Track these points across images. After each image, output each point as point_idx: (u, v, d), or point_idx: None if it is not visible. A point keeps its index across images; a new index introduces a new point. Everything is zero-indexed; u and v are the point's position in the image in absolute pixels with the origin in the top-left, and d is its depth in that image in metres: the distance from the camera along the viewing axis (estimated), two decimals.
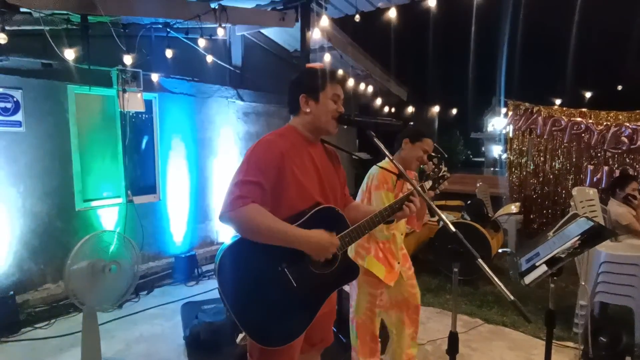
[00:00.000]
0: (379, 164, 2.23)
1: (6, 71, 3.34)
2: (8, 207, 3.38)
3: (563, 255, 1.42)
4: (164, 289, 4.19)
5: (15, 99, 3.39)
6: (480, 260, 1.32)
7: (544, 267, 1.43)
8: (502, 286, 1.27)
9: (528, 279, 1.47)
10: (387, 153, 1.55)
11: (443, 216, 1.37)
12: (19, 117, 3.42)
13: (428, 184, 1.58)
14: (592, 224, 1.43)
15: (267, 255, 1.37)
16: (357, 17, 4.02)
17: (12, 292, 3.28)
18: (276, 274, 1.39)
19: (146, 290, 4.07)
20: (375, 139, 1.55)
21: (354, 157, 2.02)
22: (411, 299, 2.30)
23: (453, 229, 1.37)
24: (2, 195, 3.35)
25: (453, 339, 1.42)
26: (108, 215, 4.05)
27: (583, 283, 2.72)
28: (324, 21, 3.96)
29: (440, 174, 1.60)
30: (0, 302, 3.17)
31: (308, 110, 1.53)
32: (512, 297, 1.25)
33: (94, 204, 3.98)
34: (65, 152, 3.72)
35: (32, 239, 3.52)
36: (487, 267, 1.30)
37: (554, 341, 3.00)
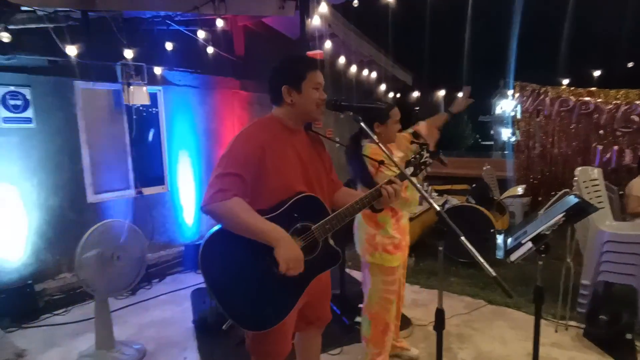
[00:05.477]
0: (368, 141, 2.26)
1: (15, 69, 3.44)
2: (24, 201, 3.52)
3: (548, 232, 1.45)
4: (175, 277, 4.33)
5: (25, 96, 3.51)
6: (463, 238, 1.36)
7: (529, 244, 1.46)
8: (484, 262, 1.31)
9: (514, 256, 1.51)
10: (374, 137, 1.60)
11: (427, 196, 1.41)
12: (29, 113, 3.54)
13: (410, 170, 1.62)
14: (577, 200, 1.45)
15: (248, 243, 1.39)
16: (356, 2, 4.00)
17: (30, 281, 3.44)
18: (258, 261, 1.42)
19: (158, 278, 4.21)
20: (362, 123, 1.59)
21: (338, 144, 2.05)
22: (402, 279, 2.37)
23: (437, 208, 1.41)
24: (18, 189, 3.48)
25: (440, 315, 1.46)
26: (118, 206, 4.17)
27: (569, 260, 2.72)
28: (323, 8, 3.96)
29: (422, 161, 1.63)
30: (19, 290, 3.34)
31: (291, 101, 1.52)
32: (493, 273, 1.29)
33: (104, 196, 4.10)
34: (75, 146, 3.83)
35: (48, 230, 3.66)
36: (471, 246, 1.35)
37: (557, 320, 3.04)
